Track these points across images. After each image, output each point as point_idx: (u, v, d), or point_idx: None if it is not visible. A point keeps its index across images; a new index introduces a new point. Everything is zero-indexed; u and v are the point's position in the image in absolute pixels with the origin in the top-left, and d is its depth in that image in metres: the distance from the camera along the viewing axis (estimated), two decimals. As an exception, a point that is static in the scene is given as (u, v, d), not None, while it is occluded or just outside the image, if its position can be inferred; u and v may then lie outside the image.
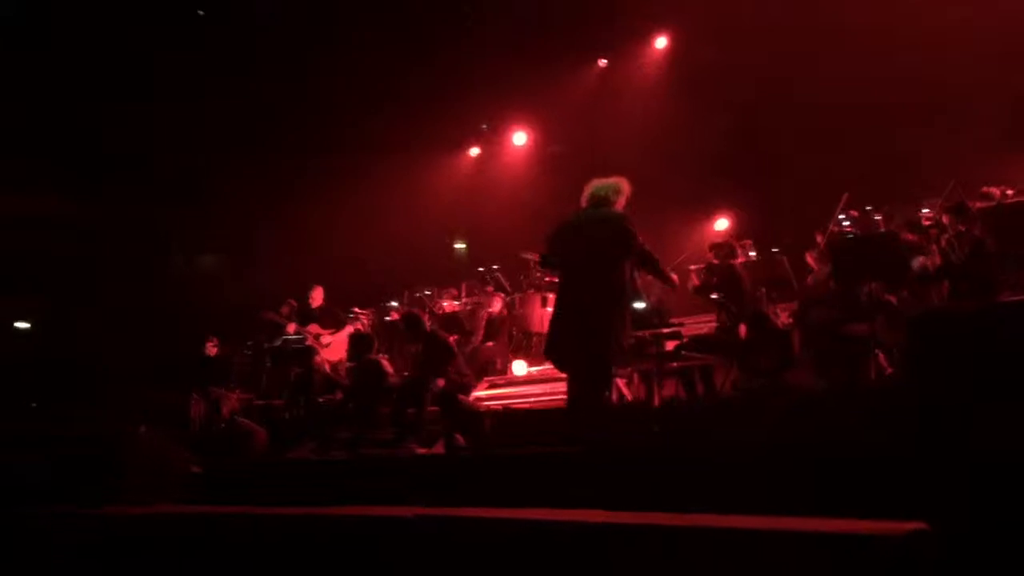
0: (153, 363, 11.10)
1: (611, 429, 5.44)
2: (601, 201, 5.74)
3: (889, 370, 6.71)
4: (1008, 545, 2.07)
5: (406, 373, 8.83)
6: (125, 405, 8.78)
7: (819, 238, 9.15)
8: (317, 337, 10.43)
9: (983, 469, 2.27)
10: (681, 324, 7.87)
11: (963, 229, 7.70)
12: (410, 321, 8.53)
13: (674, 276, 6.17)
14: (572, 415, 5.67)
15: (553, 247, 6.04)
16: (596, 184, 5.81)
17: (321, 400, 9.37)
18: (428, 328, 8.55)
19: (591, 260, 5.59)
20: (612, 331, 5.39)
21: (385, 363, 8.53)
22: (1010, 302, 5.82)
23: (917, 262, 7.70)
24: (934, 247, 7.92)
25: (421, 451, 7.24)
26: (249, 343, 11.66)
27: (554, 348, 5.71)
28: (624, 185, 5.83)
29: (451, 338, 8.70)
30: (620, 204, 5.78)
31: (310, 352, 9.94)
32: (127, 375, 10.97)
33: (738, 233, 12.34)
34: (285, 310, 11.07)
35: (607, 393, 5.75)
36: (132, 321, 13.08)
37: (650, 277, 6.58)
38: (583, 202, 5.83)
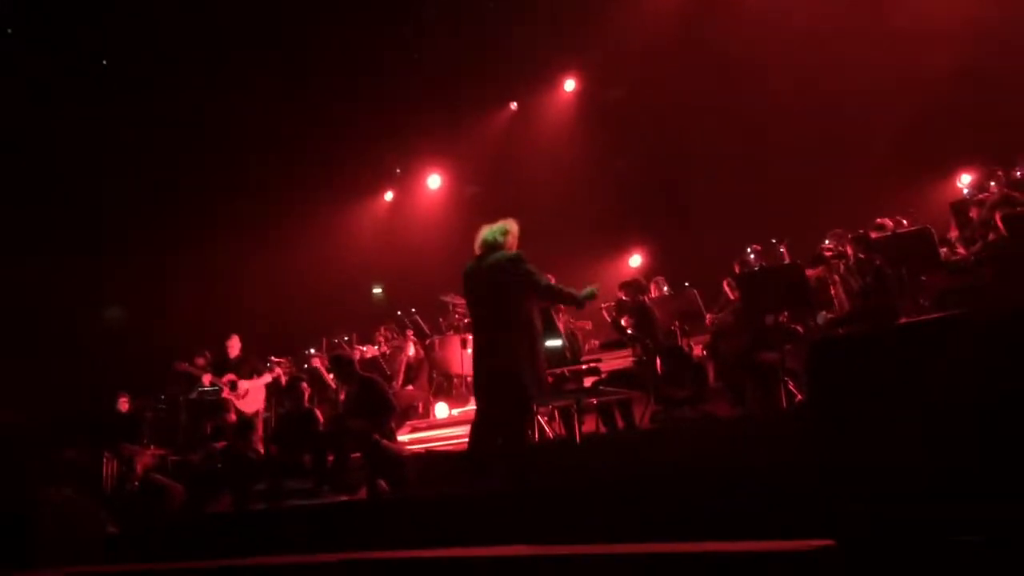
0: (62, 422, 10.66)
1: (530, 468, 5.51)
2: (492, 246, 5.90)
3: (799, 396, 6.94)
4: (904, 556, 2.20)
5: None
6: (34, 466, 8.43)
7: (737, 268, 9.41)
8: (234, 387, 10.24)
9: (882, 484, 2.41)
10: (599, 360, 7.99)
11: (863, 257, 8.09)
12: (340, 362, 8.15)
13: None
14: (476, 456, 5.73)
15: (464, 296, 6.15)
16: (485, 230, 5.98)
17: (238, 452, 9.15)
18: (364, 374, 8.07)
19: (493, 305, 5.76)
20: (524, 371, 5.52)
21: (318, 414, 8.32)
22: (905, 324, 6.13)
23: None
24: (836, 277, 8.25)
25: (343, 498, 7.13)
26: (162, 396, 11.34)
27: (480, 388, 5.82)
28: (511, 225, 6.02)
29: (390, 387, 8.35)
30: (511, 244, 5.96)
31: (226, 404, 9.75)
32: (34, 435, 10.52)
33: (651, 270, 12.64)
34: (200, 361, 10.85)
35: (528, 432, 5.85)
36: (37, 378, 12.54)
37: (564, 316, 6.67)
38: (476, 250, 5.97)
